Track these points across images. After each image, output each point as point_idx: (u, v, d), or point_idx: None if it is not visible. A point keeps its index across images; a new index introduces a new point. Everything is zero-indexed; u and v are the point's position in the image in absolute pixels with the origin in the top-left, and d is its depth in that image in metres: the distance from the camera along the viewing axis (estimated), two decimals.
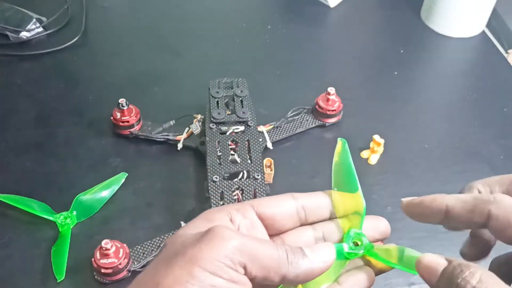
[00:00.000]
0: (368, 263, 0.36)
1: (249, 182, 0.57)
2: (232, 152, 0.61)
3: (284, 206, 0.36)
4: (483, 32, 0.87)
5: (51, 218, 0.57)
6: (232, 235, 0.31)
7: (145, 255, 0.54)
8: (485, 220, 0.31)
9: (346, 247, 0.35)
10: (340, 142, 0.38)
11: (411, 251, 0.35)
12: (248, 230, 0.35)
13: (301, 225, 0.37)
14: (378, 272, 0.36)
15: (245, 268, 0.31)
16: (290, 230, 0.37)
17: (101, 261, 0.51)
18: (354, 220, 0.37)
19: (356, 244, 0.36)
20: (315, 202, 0.37)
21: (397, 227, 0.59)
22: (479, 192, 0.35)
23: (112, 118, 0.66)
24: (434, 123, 0.73)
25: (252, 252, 0.31)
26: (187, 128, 0.66)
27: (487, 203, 0.32)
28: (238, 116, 0.63)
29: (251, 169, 0.58)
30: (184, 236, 0.33)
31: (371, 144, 0.66)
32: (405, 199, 0.36)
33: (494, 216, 0.31)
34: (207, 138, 0.62)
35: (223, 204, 0.54)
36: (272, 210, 0.36)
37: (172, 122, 0.67)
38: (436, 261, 0.31)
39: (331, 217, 0.37)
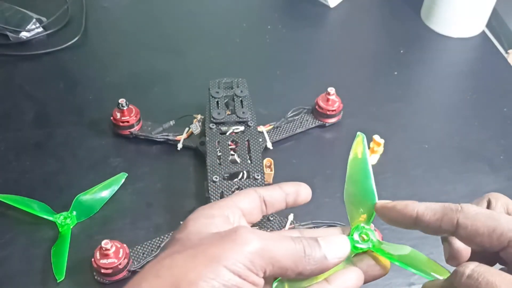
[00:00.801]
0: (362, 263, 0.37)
1: (249, 182, 0.57)
2: (232, 152, 0.61)
3: (255, 201, 0.38)
4: (483, 32, 0.87)
5: (51, 218, 0.57)
6: (254, 238, 0.32)
7: (145, 255, 0.54)
8: (454, 228, 0.33)
9: (355, 238, 0.37)
10: (359, 136, 0.39)
11: (413, 251, 0.36)
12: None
13: (263, 216, 0.39)
14: (372, 277, 0.37)
15: (264, 272, 0.32)
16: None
17: (101, 261, 0.51)
18: (364, 215, 0.38)
19: (363, 239, 0.37)
20: (273, 195, 0.39)
21: (397, 228, 0.59)
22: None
23: (112, 118, 0.66)
24: (434, 123, 0.73)
25: (272, 255, 0.32)
26: (187, 128, 0.66)
27: (455, 212, 0.33)
28: (238, 116, 0.63)
29: (251, 169, 0.58)
30: (200, 233, 0.34)
31: (371, 144, 0.65)
32: (379, 201, 0.37)
33: (462, 225, 0.33)
34: (207, 138, 0.62)
35: None
36: (249, 205, 0.38)
37: (172, 122, 0.67)
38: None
39: (286, 208, 0.40)
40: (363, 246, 0.36)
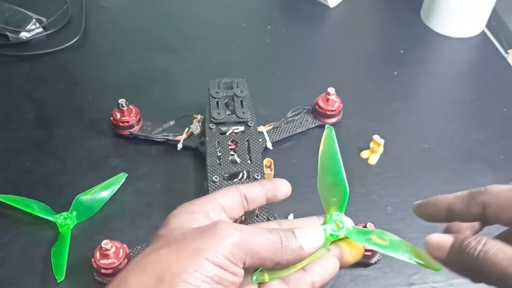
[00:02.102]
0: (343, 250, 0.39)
1: (249, 182, 0.57)
2: (232, 152, 0.60)
3: (236, 197, 0.40)
4: (483, 32, 0.87)
5: (51, 218, 0.57)
6: (233, 231, 0.34)
7: None
8: (482, 210, 0.34)
9: (328, 228, 0.39)
10: (327, 129, 0.42)
11: (390, 235, 0.38)
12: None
13: (245, 212, 0.41)
14: (347, 263, 0.39)
15: (244, 263, 0.34)
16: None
17: (101, 261, 0.51)
18: (337, 204, 0.40)
19: (338, 226, 0.39)
20: (253, 191, 0.41)
21: (397, 228, 0.59)
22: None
23: (112, 118, 0.66)
24: (434, 123, 0.73)
25: (251, 246, 0.34)
26: (187, 128, 0.66)
27: (480, 194, 0.35)
28: (238, 117, 0.63)
29: (251, 169, 0.58)
30: (182, 229, 0.35)
31: (371, 144, 0.65)
32: (416, 202, 0.39)
33: (487, 205, 0.34)
34: (207, 138, 0.62)
35: None
36: (230, 201, 0.40)
37: (172, 122, 0.67)
38: (444, 238, 0.35)
39: (267, 204, 0.42)
40: (338, 233, 0.38)
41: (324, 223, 0.39)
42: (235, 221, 0.41)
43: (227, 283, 0.33)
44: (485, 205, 0.34)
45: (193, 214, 0.37)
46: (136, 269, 0.33)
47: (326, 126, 0.42)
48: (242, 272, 0.34)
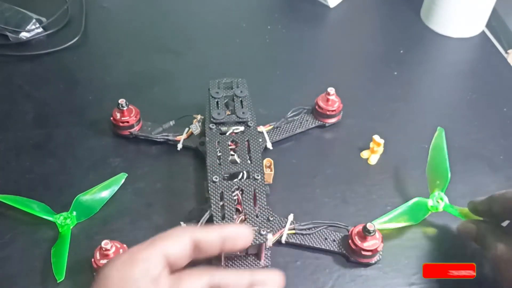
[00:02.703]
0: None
1: (249, 182, 0.57)
2: (232, 152, 0.60)
3: (186, 247, 0.36)
4: (483, 32, 0.87)
5: (51, 218, 0.57)
6: None
7: None
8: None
9: (430, 202, 0.58)
10: (438, 131, 0.60)
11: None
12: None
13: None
14: None
15: None
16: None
17: (101, 261, 0.51)
18: (440, 185, 0.57)
19: (438, 202, 0.57)
20: (208, 238, 0.37)
21: (396, 228, 0.59)
22: None
23: (112, 118, 0.66)
24: (434, 123, 0.72)
25: None
26: (187, 129, 0.66)
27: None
28: (238, 117, 0.63)
29: (251, 170, 0.58)
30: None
31: (371, 144, 0.65)
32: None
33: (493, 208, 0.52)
34: (207, 139, 0.61)
35: (223, 204, 0.54)
36: (177, 253, 0.36)
37: (172, 123, 0.67)
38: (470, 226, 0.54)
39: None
40: (439, 207, 0.57)
41: (429, 197, 0.58)
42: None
43: None
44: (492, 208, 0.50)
45: (135, 282, 0.33)
46: None
47: (439, 128, 0.60)
48: None
